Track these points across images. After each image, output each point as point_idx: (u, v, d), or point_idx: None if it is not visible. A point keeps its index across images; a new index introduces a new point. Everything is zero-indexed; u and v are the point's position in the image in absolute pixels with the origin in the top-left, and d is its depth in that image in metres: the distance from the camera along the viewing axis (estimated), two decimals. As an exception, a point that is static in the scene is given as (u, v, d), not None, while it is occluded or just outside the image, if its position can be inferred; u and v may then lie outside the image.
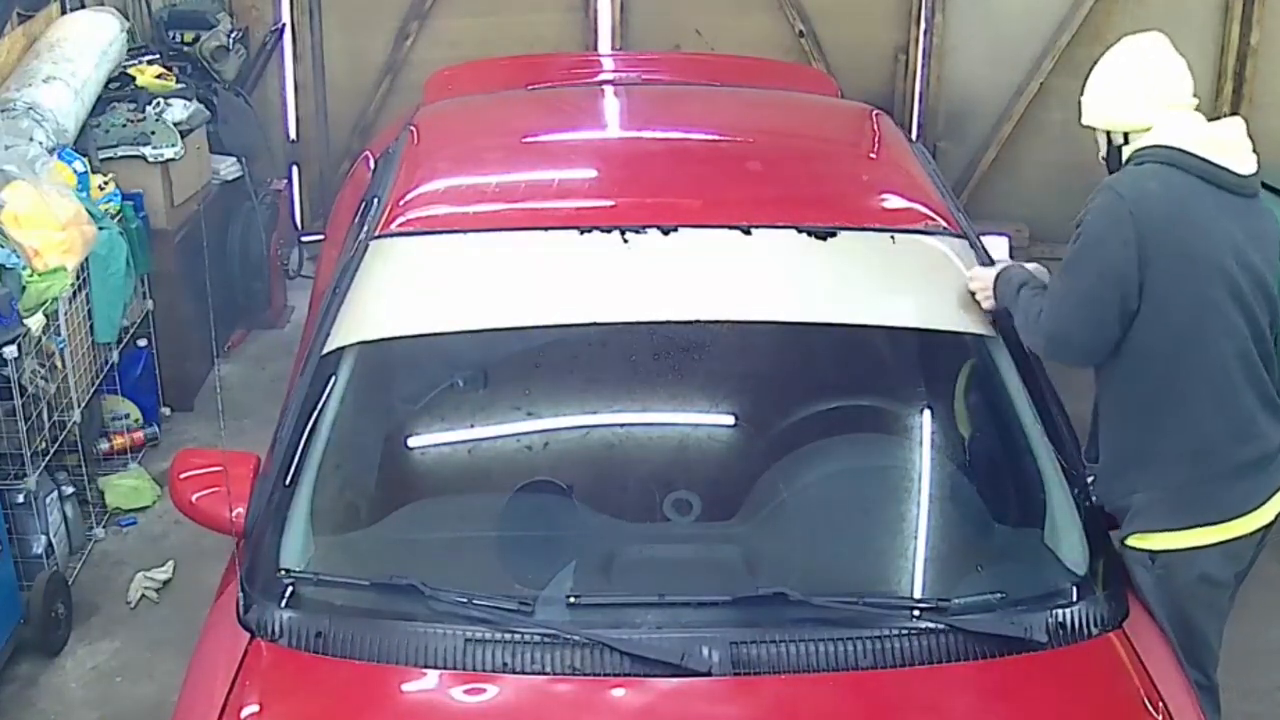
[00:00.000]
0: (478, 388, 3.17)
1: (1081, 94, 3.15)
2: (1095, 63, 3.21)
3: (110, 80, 5.62)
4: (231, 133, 6.09)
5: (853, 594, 2.68)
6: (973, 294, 3.10)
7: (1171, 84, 3.03)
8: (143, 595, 4.40)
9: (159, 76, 5.87)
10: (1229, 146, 2.93)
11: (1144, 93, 3.01)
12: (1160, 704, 2.58)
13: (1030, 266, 3.11)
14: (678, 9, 6.90)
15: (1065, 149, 6.77)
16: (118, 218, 4.93)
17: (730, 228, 3.23)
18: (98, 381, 4.75)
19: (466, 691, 2.54)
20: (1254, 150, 2.96)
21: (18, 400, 4.07)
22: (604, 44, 6.95)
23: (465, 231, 3.31)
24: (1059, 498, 2.88)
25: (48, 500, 4.40)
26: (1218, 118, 3.04)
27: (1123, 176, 2.95)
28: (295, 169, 7.13)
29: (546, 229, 3.28)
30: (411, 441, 3.13)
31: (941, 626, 2.61)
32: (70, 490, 4.55)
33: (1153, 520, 2.90)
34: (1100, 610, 2.70)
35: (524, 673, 2.53)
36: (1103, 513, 2.94)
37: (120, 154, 5.37)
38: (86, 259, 4.50)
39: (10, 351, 4.01)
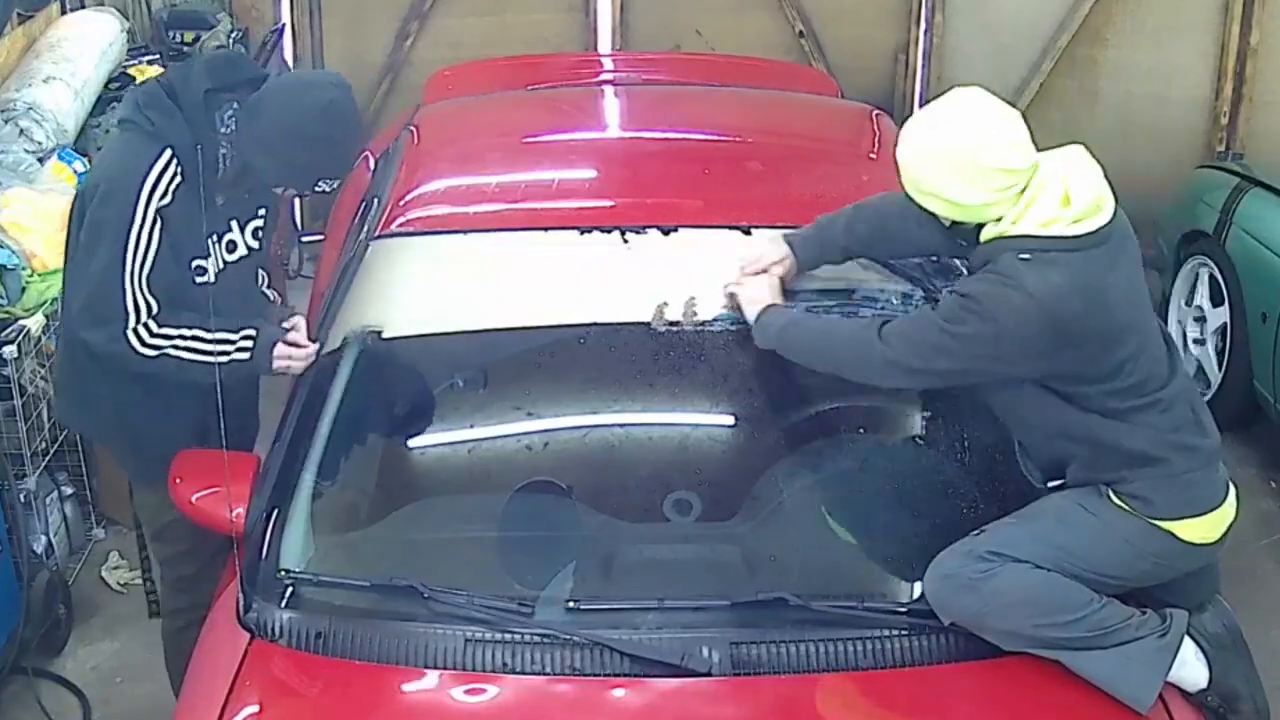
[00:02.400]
0: (478, 388, 3.17)
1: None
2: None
3: (110, 80, 5.62)
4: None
5: (853, 594, 2.68)
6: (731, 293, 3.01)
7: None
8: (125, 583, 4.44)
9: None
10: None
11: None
12: (1160, 704, 2.59)
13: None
14: (678, 9, 6.90)
15: (1065, 149, 6.78)
16: (118, 218, 4.93)
17: (730, 228, 3.23)
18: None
19: (466, 692, 2.54)
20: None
21: (18, 400, 4.07)
22: (604, 44, 6.94)
23: (465, 231, 3.32)
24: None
25: (48, 500, 4.40)
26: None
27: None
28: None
29: (546, 229, 3.28)
30: (411, 441, 3.13)
31: (940, 627, 2.61)
32: (70, 490, 4.55)
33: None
34: (1100, 610, 2.70)
35: (524, 673, 2.53)
36: None
37: (120, 154, 5.36)
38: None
39: (10, 351, 4.01)
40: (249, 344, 3.10)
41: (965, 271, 2.86)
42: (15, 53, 5.38)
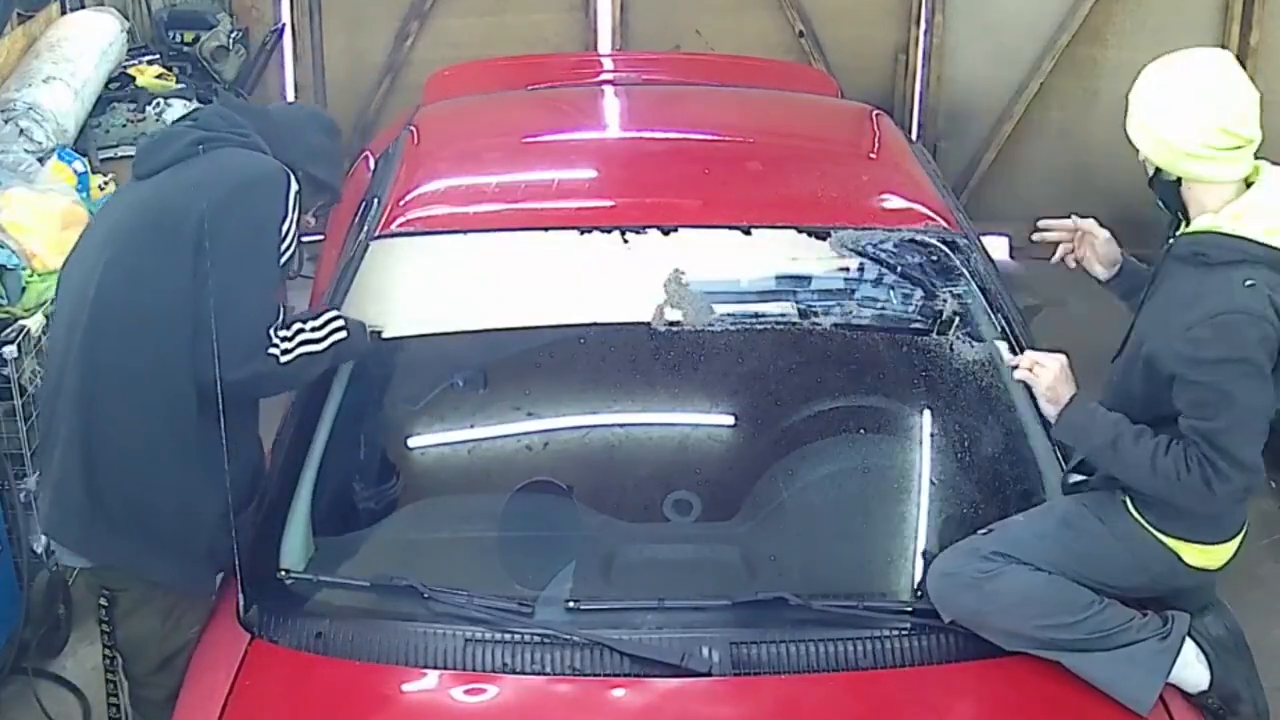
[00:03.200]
0: (478, 388, 3.17)
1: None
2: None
3: (110, 80, 5.62)
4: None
5: (852, 594, 2.68)
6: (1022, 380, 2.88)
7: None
8: None
9: (159, 76, 5.88)
10: None
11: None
12: (1160, 704, 2.59)
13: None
14: (678, 9, 6.89)
15: (1065, 149, 6.78)
16: (118, 218, 4.93)
17: (730, 228, 3.23)
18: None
19: (466, 692, 2.54)
20: None
21: (18, 400, 4.07)
22: (604, 44, 6.94)
23: (465, 231, 3.32)
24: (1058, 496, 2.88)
25: (48, 500, 4.40)
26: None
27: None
28: (295, 169, 7.13)
29: (546, 229, 3.28)
30: (411, 441, 3.13)
31: (940, 627, 2.61)
32: (70, 490, 4.55)
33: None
34: (1100, 610, 2.70)
35: (524, 673, 2.53)
36: None
37: (120, 154, 5.36)
38: (86, 259, 4.50)
39: (10, 351, 4.01)
40: (341, 322, 2.91)
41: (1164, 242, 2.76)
42: (15, 53, 5.38)
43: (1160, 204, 2.78)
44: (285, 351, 2.76)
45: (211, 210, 2.73)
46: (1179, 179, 2.69)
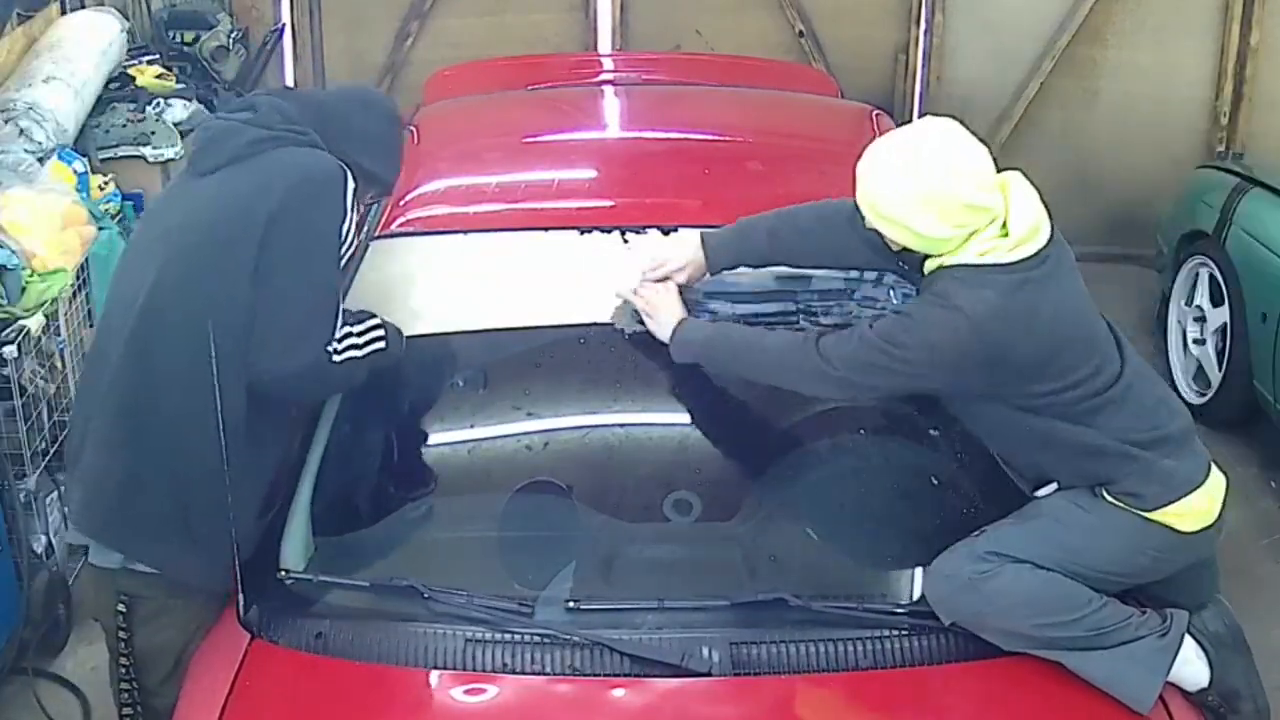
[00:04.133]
0: (478, 388, 3.17)
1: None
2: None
3: (110, 80, 5.63)
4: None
5: (853, 595, 2.68)
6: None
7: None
8: None
9: (159, 76, 5.88)
10: None
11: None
12: (1160, 704, 2.59)
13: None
14: (678, 9, 6.90)
15: (1065, 149, 6.78)
16: (118, 218, 4.93)
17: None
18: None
19: (467, 692, 2.54)
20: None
21: (18, 400, 4.07)
22: (604, 44, 6.95)
23: (465, 231, 3.32)
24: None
25: (48, 500, 4.40)
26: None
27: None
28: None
29: (547, 229, 3.28)
30: (411, 442, 3.13)
31: (940, 627, 2.61)
32: (70, 490, 4.55)
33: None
34: (1100, 610, 2.70)
35: (524, 673, 2.53)
36: None
37: (120, 154, 5.37)
38: (87, 259, 4.50)
39: (10, 351, 4.01)
40: (381, 331, 2.89)
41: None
42: (15, 53, 5.39)
43: (904, 265, 2.85)
44: (337, 353, 2.77)
45: (272, 214, 2.71)
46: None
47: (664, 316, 2.96)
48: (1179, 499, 2.68)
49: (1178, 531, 2.69)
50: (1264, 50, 6.56)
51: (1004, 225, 2.66)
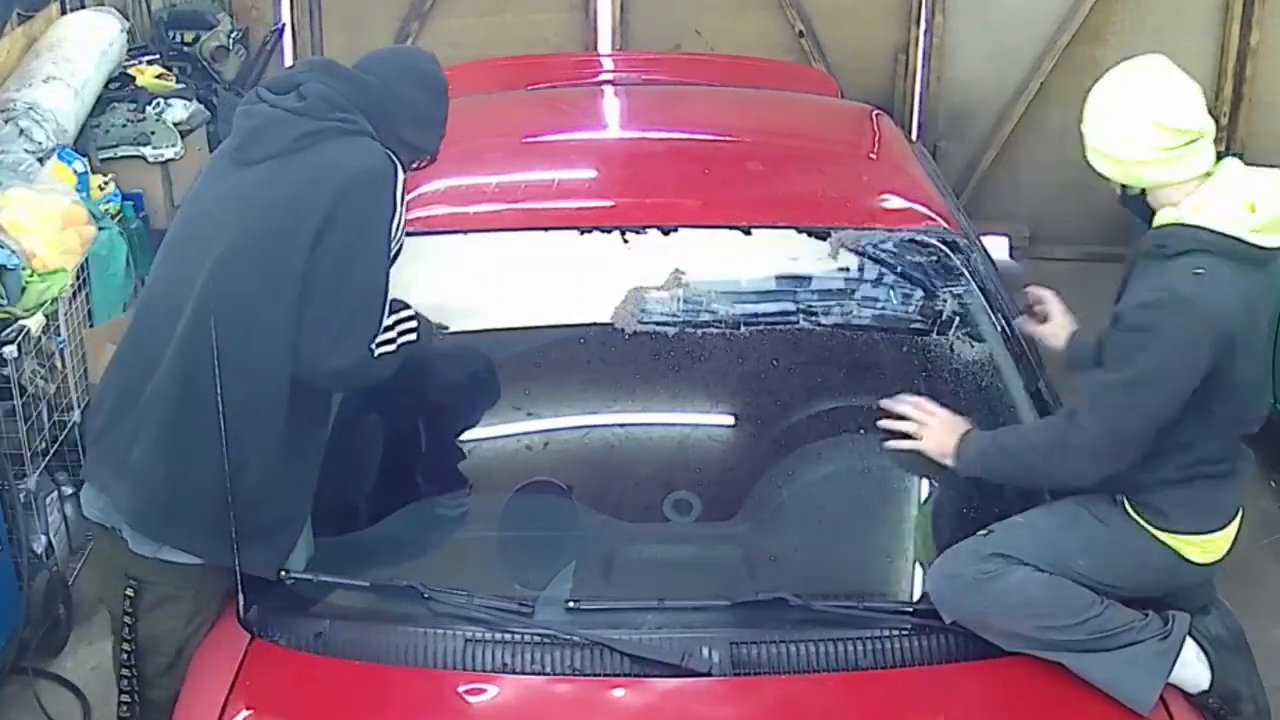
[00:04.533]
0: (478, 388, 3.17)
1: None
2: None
3: (110, 80, 5.63)
4: (231, 133, 6.08)
5: (853, 595, 2.68)
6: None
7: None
8: None
9: (159, 76, 5.88)
10: None
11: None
12: (1160, 704, 2.59)
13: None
14: (678, 9, 6.90)
15: (1065, 149, 6.76)
16: (118, 218, 4.93)
17: (730, 228, 3.23)
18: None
19: (467, 692, 2.54)
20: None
21: (18, 400, 4.07)
22: (604, 44, 6.95)
23: (465, 231, 3.31)
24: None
25: (48, 500, 4.40)
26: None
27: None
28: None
29: (547, 229, 3.28)
30: (412, 441, 3.13)
31: (941, 627, 2.61)
32: (70, 490, 4.55)
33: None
34: (1100, 610, 2.70)
35: (524, 673, 2.53)
36: None
37: (120, 154, 5.37)
38: (86, 259, 4.50)
39: (10, 351, 4.01)
40: (414, 322, 2.90)
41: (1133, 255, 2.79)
42: (15, 53, 5.39)
43: (1138, 220, 2.82)
44: (378, 345, 2.79)
45: (325, 216, 2.71)
46: (1143, 191, 2.72)
47: (945, 446, 2.81)
48: (1200, 533, 2.69)
49: (1186, 559, 2.69)
50: (1264, 50, 6.56)
51: (1252, 204, 2.61)
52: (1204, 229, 2.61)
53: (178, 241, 2.90)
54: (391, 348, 2.83)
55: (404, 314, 2.89)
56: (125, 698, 2.90)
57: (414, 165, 3.03)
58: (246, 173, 2.83)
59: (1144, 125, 2.65)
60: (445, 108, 3.07)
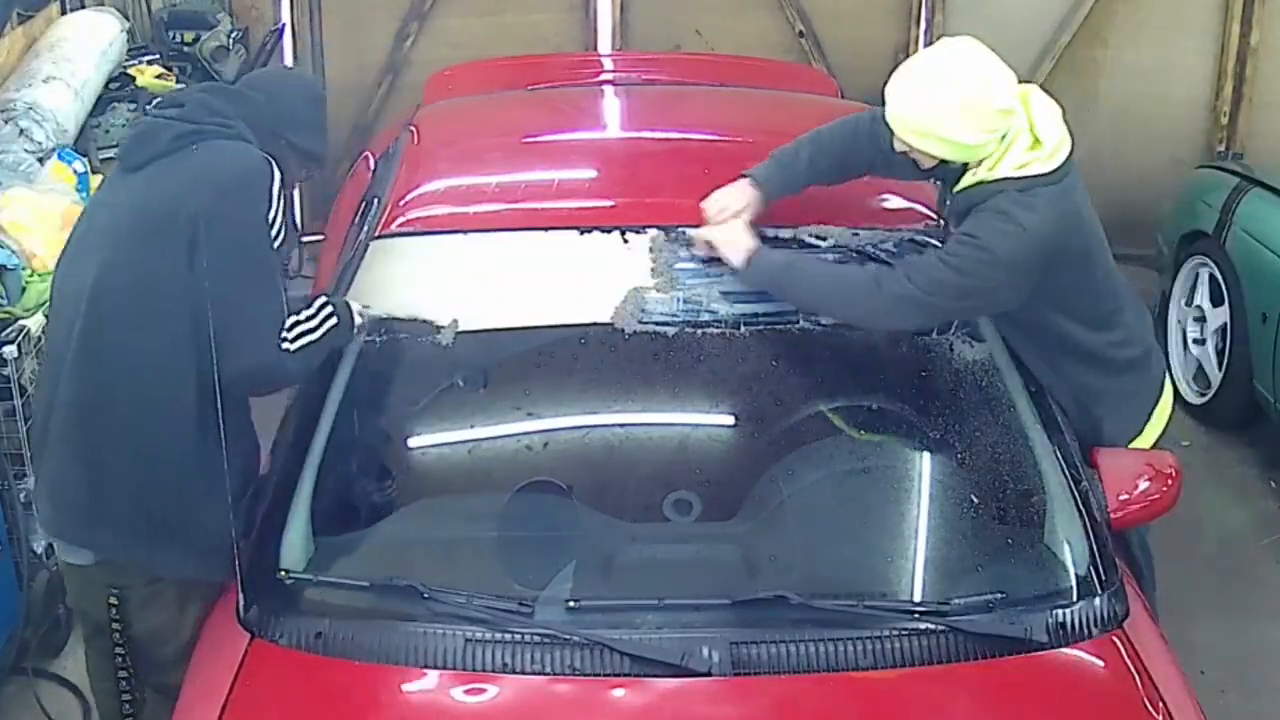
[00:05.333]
0: (478, 388, 3.17)
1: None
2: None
3: (110, 80, 5.63)
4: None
5: (853, 594, 2.68)
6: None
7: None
8: None
9: (159, 76, 5.88)
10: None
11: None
12: (1160, 704, 2.59)
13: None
14: (678, 9, 6.90)
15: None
16: (118, 218, 4.92)
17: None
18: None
19: (466, 692, 2.54)
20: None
21: (18, 400, 4.07)
22: (604, 44, 6.94)
23: (465, 231, 3.32)
24: (1059, 497, 2.88)
25: (48, 500, 4.39)
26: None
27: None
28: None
29: (547, 229, 3.28)
30: (411, 441, 3.13)
31: (941, 627, 2.61)
32: (70, 490, 4.55)
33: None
34: (1100, 610, 2.70)
35: (524, 673, 2.53)
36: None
37: (120, 154, 5.36)
38: (86, 259, 4.50)
39: (10, 351, 4.02)
40: (331, 308, 2.97)
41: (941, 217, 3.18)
42: (15, 53, 5.39)
43: (941, 181, 3.08)
44: (290, 342, 2.84)
45: (201, 210, 2.79)
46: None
47: (738, 246, 3.06)
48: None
49: None
50: (1264, 50, 6.56)
51: (1035, 137, 2.89)
52: (1007, 179, 2.88)
53: (69, 251, 3.00)
54: (315, 336, 2.89)
55: (318, 303, 2.96)
56: (127, 696, 2.95)
57: (304, 173, 3.20)
58: (131, 177, 2.95)
59: (988, 110, 2.84)
60: (324, 113, 3.24)
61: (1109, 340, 3.13)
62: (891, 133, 2.96)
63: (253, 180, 2.87)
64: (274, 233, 2.88)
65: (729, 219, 3.13)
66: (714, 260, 3.13)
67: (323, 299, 2.99)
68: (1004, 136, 2.89)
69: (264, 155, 2.93)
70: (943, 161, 2.95)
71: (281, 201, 2.91)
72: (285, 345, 2.83)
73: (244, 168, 2.90)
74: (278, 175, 2.91)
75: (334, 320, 2.96)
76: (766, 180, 3.19)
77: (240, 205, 2.85)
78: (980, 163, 2.92)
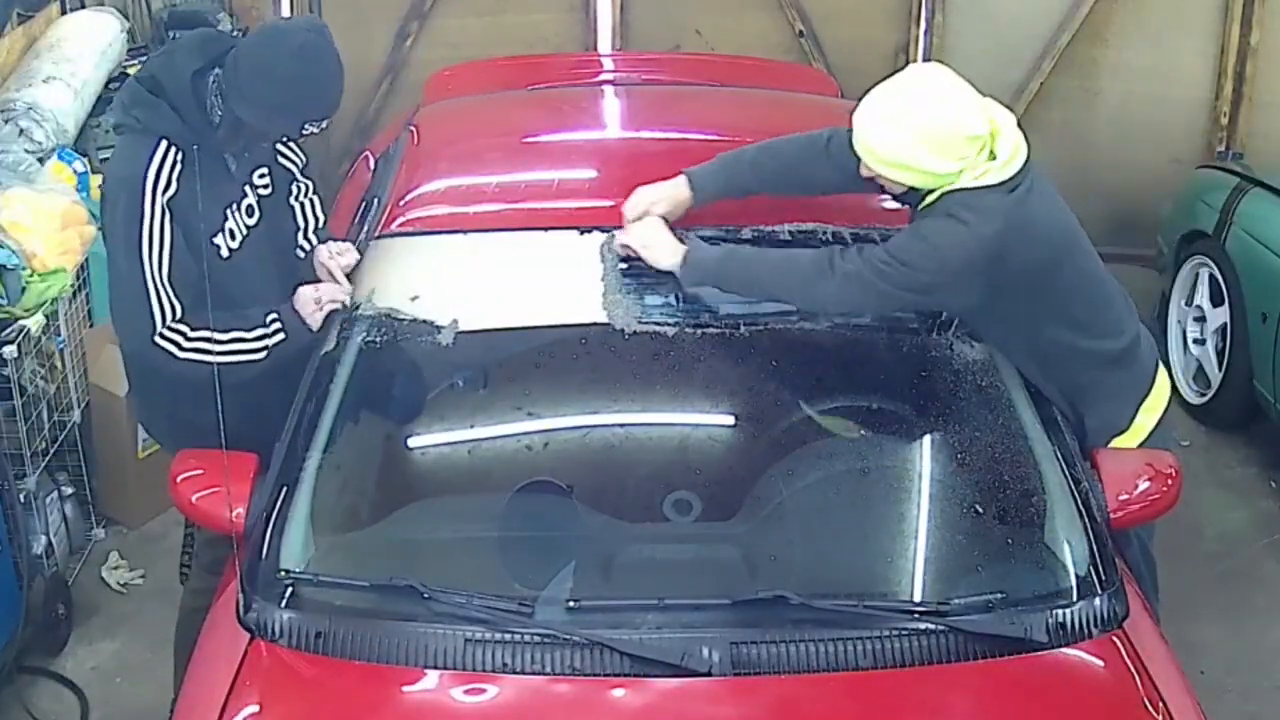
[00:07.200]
0: (478, 388, 3.17)
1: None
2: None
3: (110, 80, 5.62)
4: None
5: (853, 594, 2.68)
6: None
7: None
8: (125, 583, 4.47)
9: (159, 76, 5.86)
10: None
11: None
12: (1160, 704, 2.59)
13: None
14: (678, 9, 6.90)
15: (1066, 149, 6.78)
16: (118, 218, 4.92)
17: (730, 227, 3.22)
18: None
19: (466, 692, 2.54)
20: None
21: (18, 400, 4.07)
22: (604, 44, 6.94)
23: (465, 231, 3.32)
24: (1059, 497, 2.88)
25: (48, 500, 4.40)
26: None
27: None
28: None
29: (547, 229, 3.28)
30: (411, 441, 3.13)
31: (941, 627, 2.61)
32: (70, 490, 4.55)
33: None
34: (1100, 610, 2.70)
35: (524, 673, 2.53)
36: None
37: (120, 154, 5.35)
38: (86, 259, 4.50)
39: (10, 351, 4.02)
40: (278, 324, 3.14)
41: None
42: (15, 53, 5.38)
43: (908, 203, 3.04)
44: (183, 347, 3.05)
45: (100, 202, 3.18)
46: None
47: (664, 247, 3.07)
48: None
49: None
50: (1264, 50, 6.56)
51: (990, 151, 2.89)
52: (964, 190, 2.87)
53: None
54: (214, 357, 3.04)
55: (271, 318, 3.14)
56: (185, 567, 3.66)
57: (311, 129, 3.20)
58: None
59: (958, 139, 2.83)
60: (283, 92, 3.11)
61: (1091, 339, 3.10)
62: (858, 159, 2.96)
63: (113, 187, 3.08)
64: (144, 232, 2.98)
65: (648, 218, 3.13)
66: (637, 260, 3.12)
67: (273, 314, 3.14)
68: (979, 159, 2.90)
69: (141, 170, 3.00)
70: (912, 188, 2.95)
71: (164, 216, 3.00)
72: (173, 347, 3.03)
73: (113, 175, 3.14)
74: (150, 180, 2.99)
75: (278, 338, 3.14)
76: (701, 180, 3.18)
77: (105, 208, 3.10)
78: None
